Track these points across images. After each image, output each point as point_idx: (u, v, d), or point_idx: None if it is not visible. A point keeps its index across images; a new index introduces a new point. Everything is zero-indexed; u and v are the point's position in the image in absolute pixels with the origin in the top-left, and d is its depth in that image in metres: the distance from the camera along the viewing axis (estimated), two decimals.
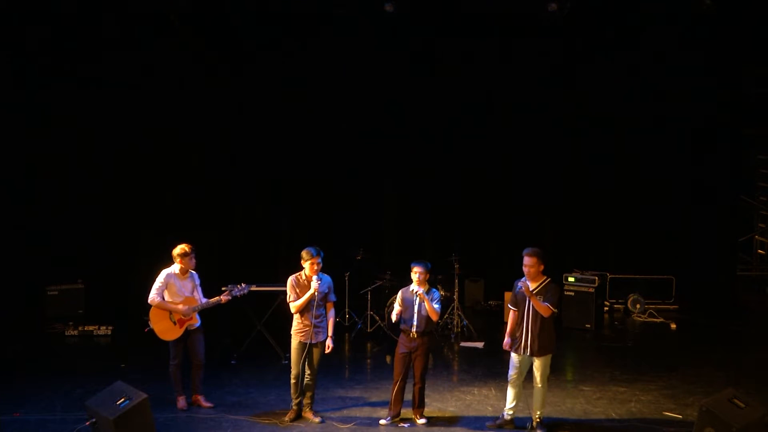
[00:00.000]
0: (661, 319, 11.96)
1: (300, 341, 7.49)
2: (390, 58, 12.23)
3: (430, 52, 12.35)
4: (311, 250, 7.40)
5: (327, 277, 7.56)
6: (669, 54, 12.34)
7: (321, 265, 7.42)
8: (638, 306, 12.26)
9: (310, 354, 7.48)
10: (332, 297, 7.62)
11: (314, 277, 7.38)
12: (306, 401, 7.64)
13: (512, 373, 7.43)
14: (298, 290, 7.45)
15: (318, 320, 7.48)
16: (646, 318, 12.10)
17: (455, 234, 12.42)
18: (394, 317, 7.61)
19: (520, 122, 12.63)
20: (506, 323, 7.60)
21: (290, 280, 7.51)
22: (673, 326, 11.66)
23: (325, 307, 7.57)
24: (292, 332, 7.56)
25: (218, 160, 12.47)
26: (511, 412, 7.48)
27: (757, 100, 13.01)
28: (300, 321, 7.49)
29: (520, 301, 7.31)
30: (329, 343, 7.55)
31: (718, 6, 11.42)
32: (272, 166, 12.56)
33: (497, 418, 7.59)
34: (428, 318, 7.43)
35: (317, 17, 11.79)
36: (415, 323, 7.44)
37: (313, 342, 7.45)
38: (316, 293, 7.37)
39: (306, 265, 7.42)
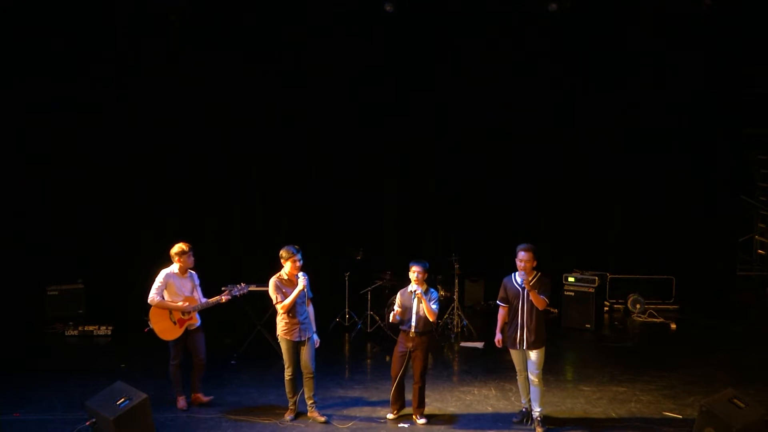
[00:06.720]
0: (661, 319, 11.95)
1: (290, 340, 7.51)
2: (391, 57, 12.23)
3: (431, 52, 12.35)
4: (291, 249, 7.46)
5: (305, 275, 7.61)
6: (669, 54, 12.33)
7: (302, 262, 7.46)
8: (638, 306, 12.24)
9: (302, 353, 7.52)
10: (310, 293, 7.69)
11: (300, 274, 7.42)
12: (309, 400, 7.65)
13: (517, 369, 7.55)
14: (284, 290, 7.46)
15: (304, 317, 7.55)
16: (646, 318, 12.09)
17: (455, 234, 12.41)
18: (392, 318, 7.63)
19: (520, 121, 12.61)
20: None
21: (273, 282, 7.50)
22: (673, 326, 11.65)
23: (306, 304, 7.63)
24: (280, 334, 7.56)
25: (218, 159, 12.45)
26: (528, 404, 7.59)
27: (757, 100, 13.00)
28: (288, 321, 7.50)
29: (513, 296, 7.37)
30: (316, 338, 7.65)
31: (718, 6, 11.42)
32: (272, 166, 12.54)
33: (517, 414, 7.70)
34: (426, 318, 7.44)
35: (316, 19, 11.82)
36: (413, 323, 7.45)
37: (303, 339, 7.50)
38: (305, 289, 7.43)
39: (287, 264, 7.45)
